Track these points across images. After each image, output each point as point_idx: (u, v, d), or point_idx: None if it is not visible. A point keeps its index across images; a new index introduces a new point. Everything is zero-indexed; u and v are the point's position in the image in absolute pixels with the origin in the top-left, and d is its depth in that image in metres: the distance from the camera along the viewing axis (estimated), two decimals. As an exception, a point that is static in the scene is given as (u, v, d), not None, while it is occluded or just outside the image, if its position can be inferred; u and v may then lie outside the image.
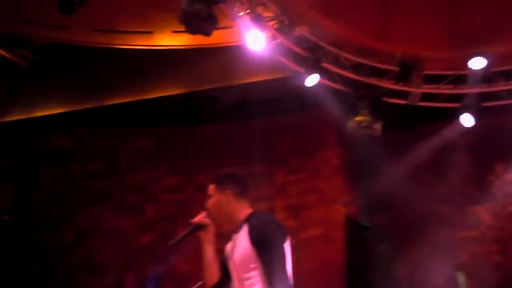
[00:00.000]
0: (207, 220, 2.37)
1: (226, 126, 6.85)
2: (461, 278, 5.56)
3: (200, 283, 2.47)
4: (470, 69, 5.38)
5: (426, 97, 5.87)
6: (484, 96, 5.66)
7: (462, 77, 5.69)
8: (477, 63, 5.30)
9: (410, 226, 6.19)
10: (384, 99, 5.83)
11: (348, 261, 6.24)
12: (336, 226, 6.40)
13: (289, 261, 2.20)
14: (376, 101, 5.69)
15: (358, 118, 5.72)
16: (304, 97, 5.72)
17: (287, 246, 2.21)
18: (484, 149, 6.11)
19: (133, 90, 6.71)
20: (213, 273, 2.34)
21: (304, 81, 5.30)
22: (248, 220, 2.29)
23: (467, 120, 5.60)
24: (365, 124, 5.73)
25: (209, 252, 2.36)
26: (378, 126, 5.73)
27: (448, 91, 5.77)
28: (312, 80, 5.29)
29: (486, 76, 5.54)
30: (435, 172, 6.20)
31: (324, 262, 6.24)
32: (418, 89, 5.76)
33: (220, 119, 6.70)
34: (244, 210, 2.36)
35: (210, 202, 2.38)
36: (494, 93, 5.66)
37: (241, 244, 2.24)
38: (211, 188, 2.39)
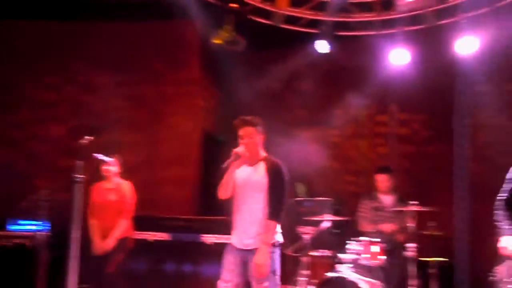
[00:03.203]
0: (243, 153, 3.15)
1: (89, 24, 6.37)
2: (300, 188, 6.21)
3: None
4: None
5: (289, 20, 6.10)
6: (339, 25, 6.05)
7: (324, 4, 5.98)
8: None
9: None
10: (250, 16, 5.90)
11: (204, 176, 6.50)
12: (194, 141, 6.55)
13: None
14: (242, 17, 5.73)
15: (222, 33, 5.73)
16: (171, 4, 5.47)
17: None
18: (336, 76, 6.59)
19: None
20: (229, 189, 3.19)
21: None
22: (265, 159, 3.24)
23: (322, 46, 5.97)
24: (229, 39, 5.77)
25: (232, 174, 3.17)
26: (241, 43, 5.83)
27: (309, 16, 6.03)
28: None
29: (343, 6, 5.89)
30: (289, 95, 6.57)
31: (181, 176, 6.41)
32: (282, 10, 5.93)
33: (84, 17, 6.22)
34: (262, 152, 3.29)
35: (249, 142, 3.19)
36: (347, 23, 6.09)
37: (259, 174, 3.19)
38: (252, 130, 3.22)
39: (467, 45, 5.40)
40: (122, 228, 4.52)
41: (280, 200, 3.13)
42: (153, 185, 6.07)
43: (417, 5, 5.49)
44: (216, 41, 5.75)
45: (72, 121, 6.42)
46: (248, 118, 3.25)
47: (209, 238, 5.18)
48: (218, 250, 5.25)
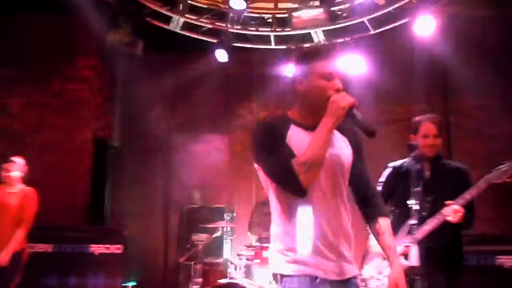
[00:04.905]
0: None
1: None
2: (196, 195, 6.20)
3: None
4: (231, 8, 5.74)
5: (188, 26, 6.10)
6: (238, 36, 6.21)
7: (223, 14, 6.09)
8: (238, 3, 5.68)
9: (153, 149, 6.45)
10: (148, 19, 5.79)
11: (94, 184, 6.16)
12: (84, 146, 6.18)
13: None
14: (138, 19, 5.60)
15: (118, 33, 5.53)
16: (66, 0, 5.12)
17: None
18: (234, 84, 6.72)
19: None
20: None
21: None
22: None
23: (221, 55, 6.06)
24: (126, 41, 5.60)
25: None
26: (139, 45, 5.68)
27: (208, 25, 6.09)
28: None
29: (242, 18, 6.06)
30: (188, 100, 6.54)
31: (68, 184, 5.99)
32: (181, 16, 5.92)
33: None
34: None
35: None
36: (246, 36, 6.28)
37: (346, 145, 2.01)
38: None
39: (355, 64, 5.88)
40: (19, 239, 4.07)
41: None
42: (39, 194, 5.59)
43: (311, 23, 5.83)
44: (113, 42, 5.54)
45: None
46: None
47: (98, 249, 4.93)
48: (105, 261, 5.12)
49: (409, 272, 2.50)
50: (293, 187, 1.77)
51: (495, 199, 5.02)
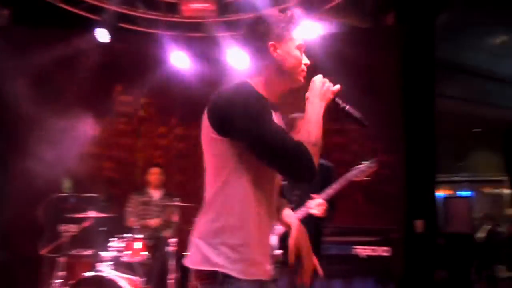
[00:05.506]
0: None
1: None
2: (66, 183, 5.74)
3: None
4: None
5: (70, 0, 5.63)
6: (123, 17, 5.89)
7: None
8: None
9: (16, 132, 5.84)
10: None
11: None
12: None
13: None
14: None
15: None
16: None
17: None
18: (115, 68, 6.34)
19: None
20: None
21: None
22: None
23: (102, 35, 5.69)
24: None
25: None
26: (3, 15, 5.08)
27: (89, 1, 5.69)
28: None
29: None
30: (61, 80, 6.00)
31: None
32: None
33: None
34: None
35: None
36: (132, 17, 5.99)
37: None
38: None
39: (240, 59, 5.98)
40: None
41: None
42: None
43: (199, 13, 5.77)
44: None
45: None
46: None
47: None
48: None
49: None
50: (306, 170, 1.53)
51: (354, 194, 5.53)
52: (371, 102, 4.92)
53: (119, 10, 5.73)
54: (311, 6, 5.60)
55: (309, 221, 2.98)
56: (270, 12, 1.70)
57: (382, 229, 4.78)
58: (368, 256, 4.61)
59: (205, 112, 1.67)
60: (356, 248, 4.60)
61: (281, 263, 2.79)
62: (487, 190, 12.58)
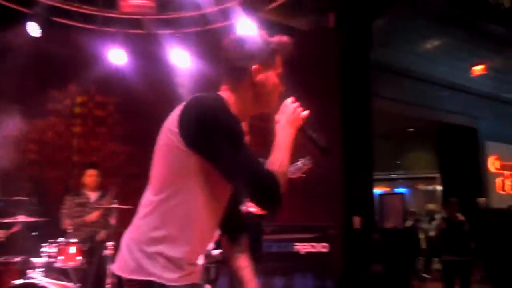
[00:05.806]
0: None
1: None
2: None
3: None
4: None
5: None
6: (56, 10, 5.62)
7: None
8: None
9: None
10: None
11: None
12: None
13: None
14: None
15: None
16: None
17: None
18: (48, 65, 6.04)
19: None
20: None
21: None
22: None
23: (34, 29, 5.40)
24: None
25: None
26: None
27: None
28: None
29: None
30: None
31: None
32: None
33: None
34: None
35: None
36: (67, 11, 5.73)
37: None
38: None
39: (180, 57, 5.91)
40: None
41: None
42: None
43: (138, 10, 5.63)
44: None
45: None
46: None
47: None
48: None
49: (208, 260, 2.60)
50: (276, 202, 1.53)
51: (293, 192, 5.61)
52: (310, 102, 5.02)
53: (52, 3, 5.45)
54: (253, 6, 5.63)
55: (249, 219, 3.01)
56: (260, 35, 1.70)
57: (321, 226, 4.90)
58: (308, 252, 4.72)
59: (173, 116, 1.57)
60: (296, 245, 4.68)
61: (219, 262, 2.78)
62: (421, 187, 13.27)
